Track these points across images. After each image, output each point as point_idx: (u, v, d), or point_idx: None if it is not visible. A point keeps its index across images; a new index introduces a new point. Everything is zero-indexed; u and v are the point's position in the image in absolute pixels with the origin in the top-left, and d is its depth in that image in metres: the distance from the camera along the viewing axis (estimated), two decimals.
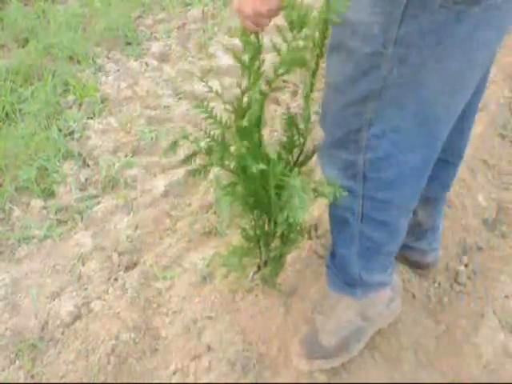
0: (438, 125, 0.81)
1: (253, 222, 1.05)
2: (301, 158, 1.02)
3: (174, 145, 0.96)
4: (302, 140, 1.00)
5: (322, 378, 1.09)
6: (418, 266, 1.27)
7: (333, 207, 0.99)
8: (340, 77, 0.80)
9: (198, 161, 1.00)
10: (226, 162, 0.94)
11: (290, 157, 1.02)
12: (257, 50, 0.83)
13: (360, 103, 0.78)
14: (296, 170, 0.90)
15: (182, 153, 1.67)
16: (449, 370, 1.11)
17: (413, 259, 1.26)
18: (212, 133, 0.94)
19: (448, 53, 0.70)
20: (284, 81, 2.04)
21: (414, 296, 1.26)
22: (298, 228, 1.08)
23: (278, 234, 1.08)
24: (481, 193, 1.52)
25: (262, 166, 0.86)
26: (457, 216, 1.43)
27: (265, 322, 1.19)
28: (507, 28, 0.73)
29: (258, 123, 0.88)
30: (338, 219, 0.99)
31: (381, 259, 1.03)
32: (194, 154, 0.97)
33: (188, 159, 0.98)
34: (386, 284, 1.09)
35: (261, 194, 0.95)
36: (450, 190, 1.16)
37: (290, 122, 0.98)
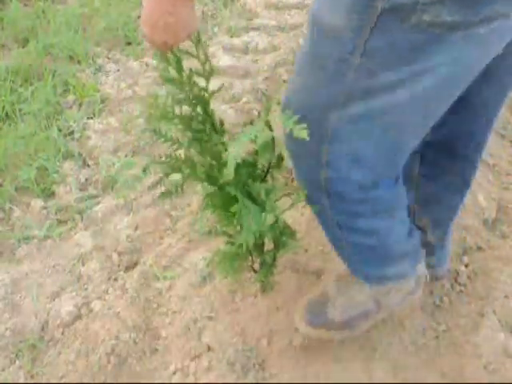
0: (402, 148, 0.79)
1: (238, 228, 1.03)
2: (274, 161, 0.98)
3: (145, 170, 0.95)
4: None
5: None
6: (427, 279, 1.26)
7: (316, 213, 0.97)
8: (306, 77, 0.76)
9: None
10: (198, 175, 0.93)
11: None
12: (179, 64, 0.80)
13: (322, 111, 0.74)
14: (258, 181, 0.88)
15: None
16: (449, 370, 1.11)
17: None
18: (175, 153, 0.92)
19: (418, 76, 0.67)
20: (284, 81, 2.05)
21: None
22: (289, 231, 1.07)
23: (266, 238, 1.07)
24: (481, 193, 1.52)
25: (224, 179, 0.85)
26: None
27: (264, 322, 1.18)
28: (494, 53, 0.69)
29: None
30: (323, 225, 0.98)
31: (383, 257, 1.01)
32: (165, 177, 0.96)
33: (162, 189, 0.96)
34: (405, 275, 1.05)
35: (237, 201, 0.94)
36: (458, 214, 1.14)
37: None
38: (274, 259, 1.14)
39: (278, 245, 1.09)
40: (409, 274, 1.05)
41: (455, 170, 0.97)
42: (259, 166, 0.94)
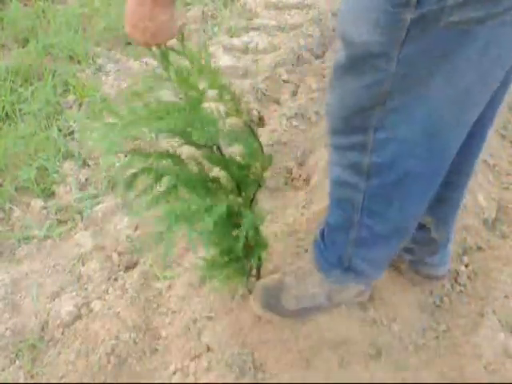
0: (446, 138, 0.83)
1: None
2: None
3: (132, 181, 0.95)
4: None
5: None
6: (429, 278, 1.27)
7: (334, 192, 1.00)
8: (343, 90, 0.82)
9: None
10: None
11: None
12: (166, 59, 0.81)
13: (364, 112, 0.80)
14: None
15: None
16: (449, 370, 1.11)
17: (425, 272, 1.25)
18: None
19: (457, 70, 0.71)
20: (284, 81, 2.05)
21: (414, 296, 1.26)
22: (262, 241, 1.07)
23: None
24: (481, 193, 1.52)
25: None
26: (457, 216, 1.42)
27: (264, 322, 1.18)
28: None
29: None
30: (338, 205, 1.00)
31: (378, 252, 1.05)
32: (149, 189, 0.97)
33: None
34: (363, 281, 1.13)
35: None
36: (459, 209, 1.16)
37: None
38: (259, 265, 1.15)
39: (249, 254, 1.09)
40: (367, 281, 1.13)
41: (456, 168, 0.98)
42: (252, 170, 0.95)
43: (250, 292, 1.21)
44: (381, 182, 0.89)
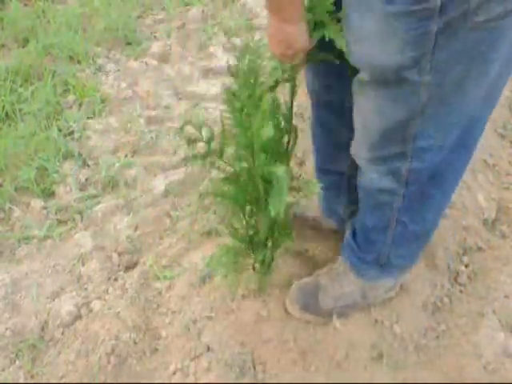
0: (479, 132, 0.88)
1: (244, 222, 1.05)
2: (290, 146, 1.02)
3: (183, 126, 0.95)
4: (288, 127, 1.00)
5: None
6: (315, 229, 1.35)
7: (370, 198, 1.03)
8: (376, 105, 0.83)
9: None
10: (221, 163, 0.95)
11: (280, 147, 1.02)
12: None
13: (403, 123, 0.82)
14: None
15: (182, 153, 1.68)
16: (449, 370, 1.11)
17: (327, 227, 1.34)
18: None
19: (489, 68, 0.73)
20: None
21: (414, 296, 1.26)
22: (288, 231, 1.09)
23: (265, 233, 1.08)
24: (481, 193, 1.52)
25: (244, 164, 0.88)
26: (457, 216, 1.42)
27: (262, 323, 1.18)
28: None
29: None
30: (375, 208, 1.03)
31: (413, 247, 1.11)
32: (196, 140, 0.97)
33: (190, 144, 0.97)
34: (397, 275, 1.17)
35: (251, 191, 0.96)
36: None
37: (276, 107, 0.98)
38: (272, 259, 1.15)
39: (274, 243, 1.10)
40: (407, 268, 1.17)
41: None
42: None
43: (260, 289, 1.21)
44: (419, 185, 0.92)
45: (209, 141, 0.94)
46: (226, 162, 0.96)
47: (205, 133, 0.94)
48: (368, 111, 0.85)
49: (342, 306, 1.18)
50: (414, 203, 0.97)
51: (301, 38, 0.80)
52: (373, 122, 0.86)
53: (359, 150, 0.94)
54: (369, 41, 0.74)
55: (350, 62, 0.79)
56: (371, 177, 0.96)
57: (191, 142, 0.95)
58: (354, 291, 1.17)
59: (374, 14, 0.69)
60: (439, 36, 0.68)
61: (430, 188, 0.94)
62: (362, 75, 0.79)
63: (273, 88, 0.92)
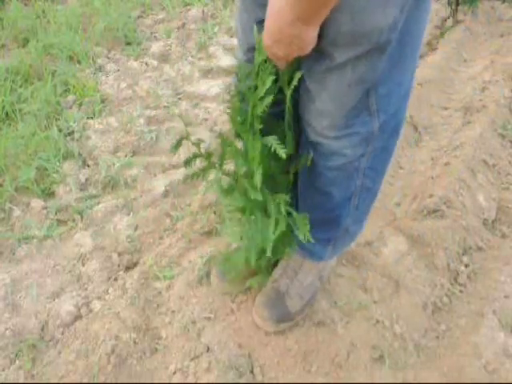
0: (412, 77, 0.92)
1: (249, 226, 1.04)
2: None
3: (177, 145, 0.95)
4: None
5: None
6: None
7: (336, 176, 1.00)
8: (353, 78, 0.82)
9: (198, 163, 1.00)
10: (224, 166, 0.95)
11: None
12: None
13: (360, 81, 0.82)
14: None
15: (182, 153, 1.68)
16: (449, 370, 1.11)
17: None
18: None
19: (418, 21, 0.81)
20: None
21: (414, 296, 1.26)
22: (289, 238, 1.08)
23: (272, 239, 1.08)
24: (481, 193, 1.52)
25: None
26: (457, 216, 1.42)
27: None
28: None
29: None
30: (341, 184, 1.01)
31: (369, 208, 1.10)
32: (195, 156, 0.97)
33: (188, 162, 0.98)
34: (352, 243, 1.20)
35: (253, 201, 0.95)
36: None
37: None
38: (275, 264, 1.15)
39: (277, 253, 1.09)
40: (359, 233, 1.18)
41: None
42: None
43: (260, 289, 1.21)
44: (383, 140, 0.92)
45: (208, 157, 0.95)
46: (226, 174, 0.96)
47: (203, 148, 0.95)
48: (340, 92, 0.84)
49: (309, 298, 1.19)
50: (376, 160, 0.96)
51: (314, 41, 0.79)
52: (347, 97, 0.85)
53: (327, 132, 0.92)
54: (372, 5, 0.74)
55: (351, 36, 0.78)
56: (345, 152, 0.94)
57: (188, 161, 0.96)
58: (314, 280, 1.19)
59: None
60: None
61: (390, 141, 0.95)
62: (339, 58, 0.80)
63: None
